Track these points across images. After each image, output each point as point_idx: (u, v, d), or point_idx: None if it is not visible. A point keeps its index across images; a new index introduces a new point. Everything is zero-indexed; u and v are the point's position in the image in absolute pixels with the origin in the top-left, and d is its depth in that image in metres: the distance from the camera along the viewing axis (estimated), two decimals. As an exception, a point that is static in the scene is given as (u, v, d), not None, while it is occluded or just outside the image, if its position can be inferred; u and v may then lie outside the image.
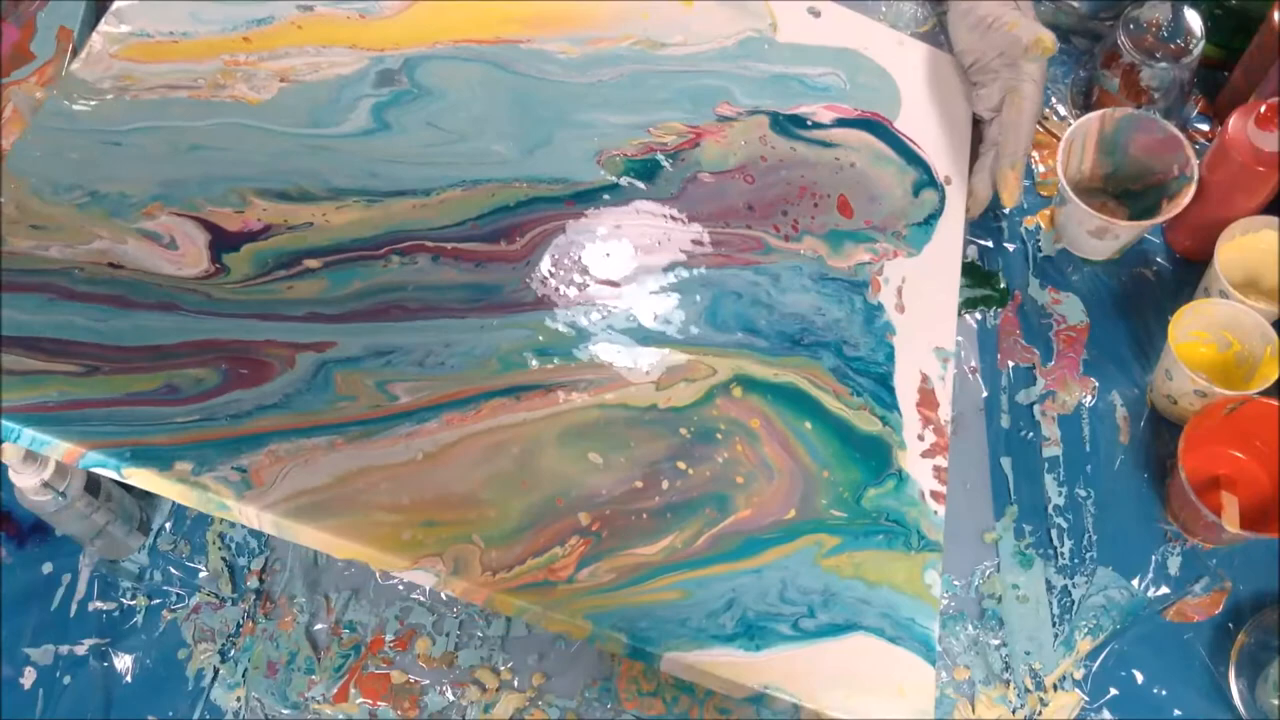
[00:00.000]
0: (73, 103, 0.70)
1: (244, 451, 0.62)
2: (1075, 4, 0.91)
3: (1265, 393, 0.71)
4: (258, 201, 0.69)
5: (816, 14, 0.84)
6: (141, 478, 0.60)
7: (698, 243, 0.75)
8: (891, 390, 0.72)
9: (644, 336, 0.71)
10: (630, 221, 0.74)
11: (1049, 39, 0.76)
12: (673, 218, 0.75)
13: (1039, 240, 0.83)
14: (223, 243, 0.68)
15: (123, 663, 0.72)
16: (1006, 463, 0.76)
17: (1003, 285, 0.82)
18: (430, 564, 0.61)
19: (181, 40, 0.74)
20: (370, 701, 0.71)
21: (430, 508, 0.63)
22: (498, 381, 0.67)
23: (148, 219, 0.68)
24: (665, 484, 0.66)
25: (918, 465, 0.70)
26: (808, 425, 0.70)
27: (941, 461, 0.70)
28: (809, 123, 0.80)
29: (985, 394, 0.78)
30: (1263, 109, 0.73)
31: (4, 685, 0.71)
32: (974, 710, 0.69)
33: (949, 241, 0.79)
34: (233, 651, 0.72)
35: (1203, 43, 0.81)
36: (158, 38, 0.74)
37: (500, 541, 0.63)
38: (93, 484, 0.72)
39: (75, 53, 0.90)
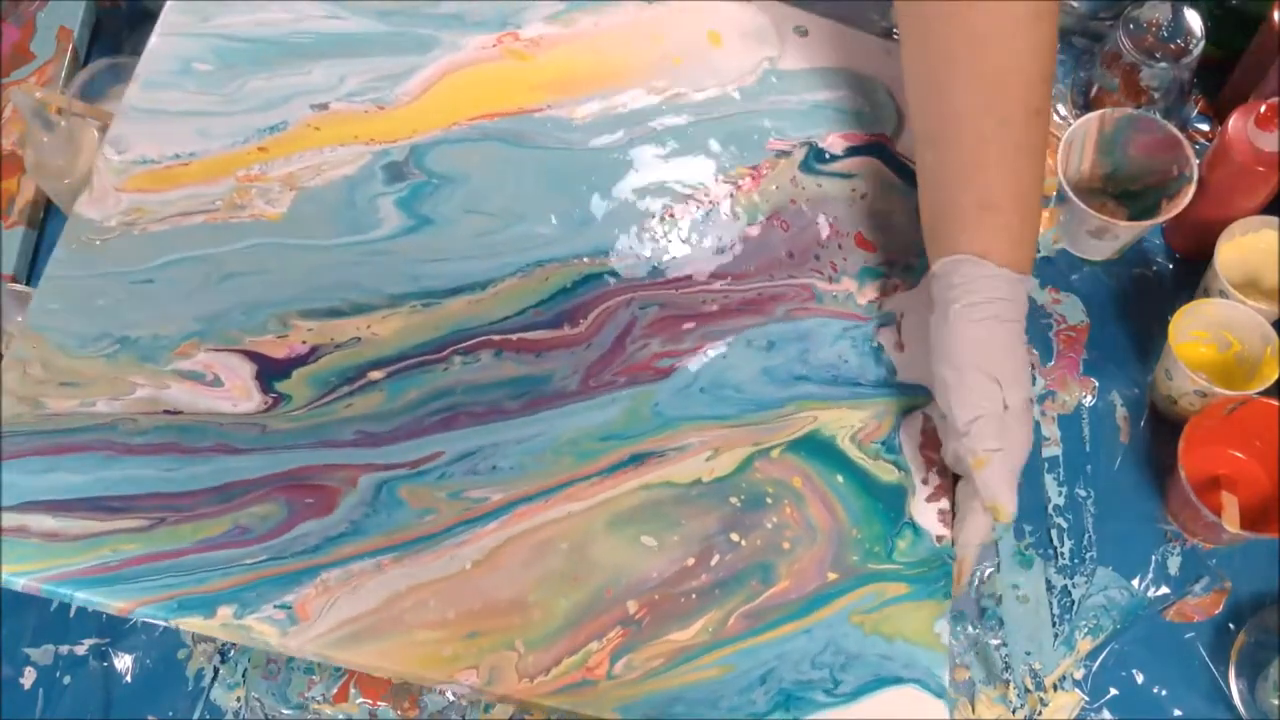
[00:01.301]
0: (84, 248, 0.68)
1: (296, 585, 0.61)
2: (1075, 4, 0.91)
3: (1265, 393, 0.71)
4: (300, 324, 0.68)
5: (804, 33, 0.81)
6: (189, 625, 0.60)
7: (753, 302, 0.73)
8: (897, 433, 0.71)
9: (695, 414, 0.69)
10: (689, 288, 0.73)
11: (1006, 512, 0.62)
12: (731, 277, 0.73)
13: (1038, 240, 0.83)
14: (271, 372, 0.66)
15: (123, 663, 0.71)
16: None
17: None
18: (465, 677, 0.61)
19: (191, 162, 0.71)
20: (370, 701, 0.71)
21: (476, 618, 0.62)
22: (550, 479, 0.66)
23: (184, 359, 0.66)
24: (716, 558, 0.65)
25: (924, 510, 0.69)
26: (840, 479, 0.69)
27: (945, 505, 0.69)
28: (826, 155, 0.78)
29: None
30: (1263, 109, 0.73)
31: (4, 685, 0.71)
32: (974, 710, 0.69)
33: None
34: (232, 652, 0.72)
35: (1203, 43, 0.81)
36: (164, 163, 0.71)
37: (542, 644, 0.62)
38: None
39: (75, 55, 0.90)
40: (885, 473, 0.69)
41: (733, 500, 0.67)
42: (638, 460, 0.67)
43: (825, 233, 0.75)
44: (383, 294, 0.69)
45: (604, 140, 0.76)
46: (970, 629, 0.71)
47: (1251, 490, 0.73)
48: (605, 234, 0.73)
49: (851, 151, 0.78)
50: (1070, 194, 0.77)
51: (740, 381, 0.70)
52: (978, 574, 0.72)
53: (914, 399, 0.71)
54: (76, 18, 0.92)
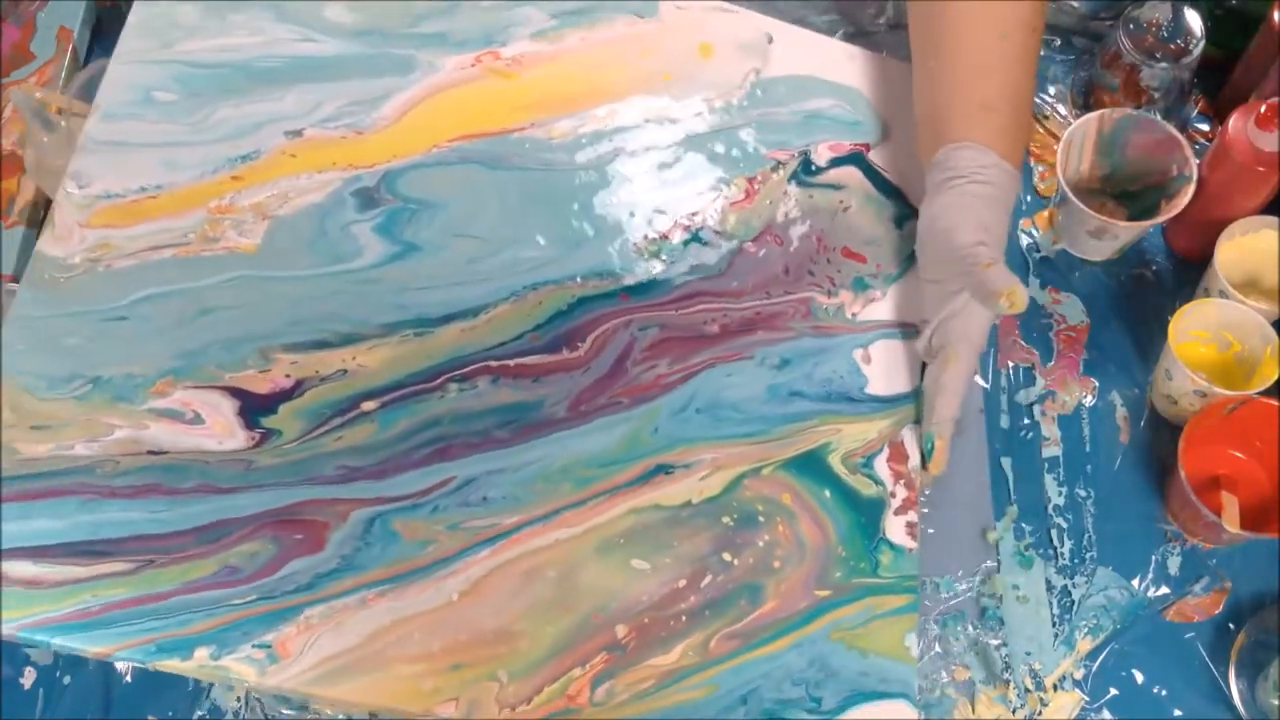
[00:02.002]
0: (50, 286, 0.66)
1: (280, 623, 0.61)
2: (1075, 4, 0.91)
3: (1265, 393, 0.71)
4: (283, 357, 0.66)
5: (770, 39, 0.80)
6: (166, 667, 0.60)
7: (752, 321, 0.72)
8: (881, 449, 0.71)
9: (694, 436, 0.69)
10: (688, 308, 0.72)
11: (1021, 297, 0.64)
12: (730, 295, 0.73)
13: (1038, 240, 0.83)
14: (254, 407, 0.65)
15: (123, 663, 0.71)
16: (1006, 463, 0.76)
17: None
18: (444, 710, 0.60)
19: (159, 194, 0.69)
20: (370, 701, 0.71)
21: (461, 649, 0.62)
22: (541, 508, 0.65)
23: (160, 397, 0.65)
24: (708, 579, 0.65)
25: (893, 523, 0.69)
26: (827, 494, 0.69)
27: (913, 517, 0.69)
28: (814, 166, 0.77)
29: (985, 394, 0.78)
30: (1263, 109, 0.73)
31: (4, 685, 0.71)
32: (974, 710, 0.69)
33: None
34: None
35: (1203, 43, 0.81)
36: (130, 196, 0.69)
37: (525, 673, 0.62)
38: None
39: (75, 55, 0.90)
40: (865, 487, 0.70)
41: (725, 520, 0.67)
42: (632, 485, 0.67)
43: (815, 246, 0.75)
44: (372, 324, 0.68)
45: (591, 157, 0.75)
46: (970, 629, 0.71)
47: (1251, 490, 0.73)
48: (598, 254, 0.72)
49: (835, 162, 0.78)
50: (1070, 194, 0.77)
51: (739, 401, 0.70)
52: (979, 574, 0.72)
53: (897, 411, 0.72)
54: (76, 18, 0.92)
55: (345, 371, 0.67)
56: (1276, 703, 0.67)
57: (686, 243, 0.74)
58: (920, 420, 0.71)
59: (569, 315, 0.70)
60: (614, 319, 0.71)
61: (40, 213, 0.86)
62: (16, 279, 0.82)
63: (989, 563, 0.73)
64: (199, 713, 0.70)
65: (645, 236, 0.73)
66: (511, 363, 0.69)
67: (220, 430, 0.65)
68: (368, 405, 0.66)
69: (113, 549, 0.62)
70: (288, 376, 0.66)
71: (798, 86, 0.79)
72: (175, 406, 0.65)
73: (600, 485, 0.67)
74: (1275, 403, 0.71)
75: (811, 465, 0.69)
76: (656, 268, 0.73)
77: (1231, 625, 0.71)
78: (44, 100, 0.78)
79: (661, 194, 0.75)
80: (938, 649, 0.70)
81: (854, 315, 0.74)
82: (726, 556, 0.66)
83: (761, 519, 0.67)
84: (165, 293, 0.67)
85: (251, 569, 0.62)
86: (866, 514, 0.69)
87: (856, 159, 0.78)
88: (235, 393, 0.66)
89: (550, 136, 0.75)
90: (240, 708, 0.70)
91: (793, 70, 0.80)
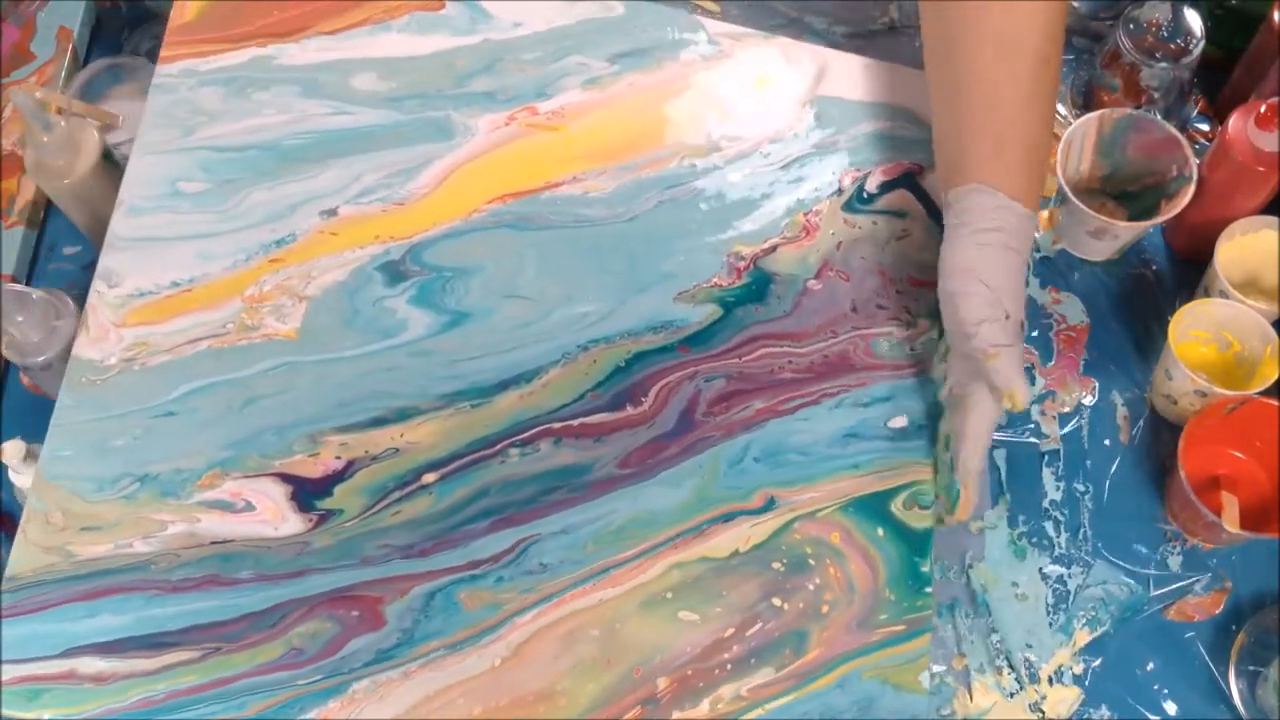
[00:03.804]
0: (89, 389, 0.67)
1: (328, 700, 0.61)
2: (1075, 4, 0.91)
3: (1265, 393, 0.71)
4: (332, 439, 0.66)
5: (822, 69, 0.78)
6: None
7: (819, 364, 0.70)
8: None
9: (760, 483, 0.67)
10: (751, 355, 0.70)
11: (1022, 399, 0.64)
12: (795, 338, 0.71)
13: (1038, 240, 0.83)
14: (307, 491, 0.66)
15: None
16: (1000, 455, 0.75)
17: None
18: None
19: (193, 287, 0.69)
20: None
21: (500, 712, 0.62)
22: (589, 570, 0.65)
23: (208, 489, 0.65)
24: (757, 626, 0.64)
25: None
26: (880, 532, 0.67)
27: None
28: (865, 194, 0.75)
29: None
30: (1263, 109, 0.73)
31: (4, 685, 0.71)
32: (971, 698, 0.69)
33: None
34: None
35: (1203, 43, 0.81)
36: (163, 292, 0.69)
37: None
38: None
39: (75, 55, 0.90)
40: (918, 520, 0.68)
41: (775, 565, 0.66)
42: (681, 538, 0.66)
43: (880, 280, 0.73)
44: (429, 395, 0.68)
45: (637, 206, 0.73)
46: (965, 618, 0.71)
47: (1251, 490, 0.73)
48: (652, 306, 0.71)
49: (887, 186, 0.76)
50: (1070, 194, 0.77)
51: (806, 445, 0.69)
52: (968, 563, 0.72)
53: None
54: (76, 18, 0.92)
55: (397, 450, 0.67)
56: (1276, 703, 0.67)
57: (745, 286, 0.72)
58: (937, 464, 0.70)
59: (627, 371, 0.69)
60: (676, 371, 0.70)
61: (40, 213, 0.86)
62: (16, 279, 0.82)
63: (970, 552, 0.72)
64: None
65: (700, 283, 0.72)
66: (575, 423, 0.68)
67: (271, 516, 0.65)
68: (429, 477, 0.66)
69: (178, 640, 0.63)
70: (338, 458, 0.66)
71: (855, 111, 0.78)
72: (225, 497, 0.66)
73: (647, 543, 0.66)
74: (1275, 403, 0.71)
75: (866, 504, 0.68)
76: (715, 314, 0.71)
77: (1232, 625, 0.71)
78: (44, 100, 0.78)
79: (717, 235, 0.73)
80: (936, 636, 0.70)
81: (913, 350, 0.71)
82: (777, 601, 0.65)
83: (811, 562, 0.66)
84: (211, 384, 0.68)
85: (315, 651, 0.63)
86: (919, 549, 0.67)
87: (908, 180, 0.76)
88: (285, 478, 0.66)
89: (587, 191, 0.73)
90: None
91: (848, 95, 0.78)
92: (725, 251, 0.73)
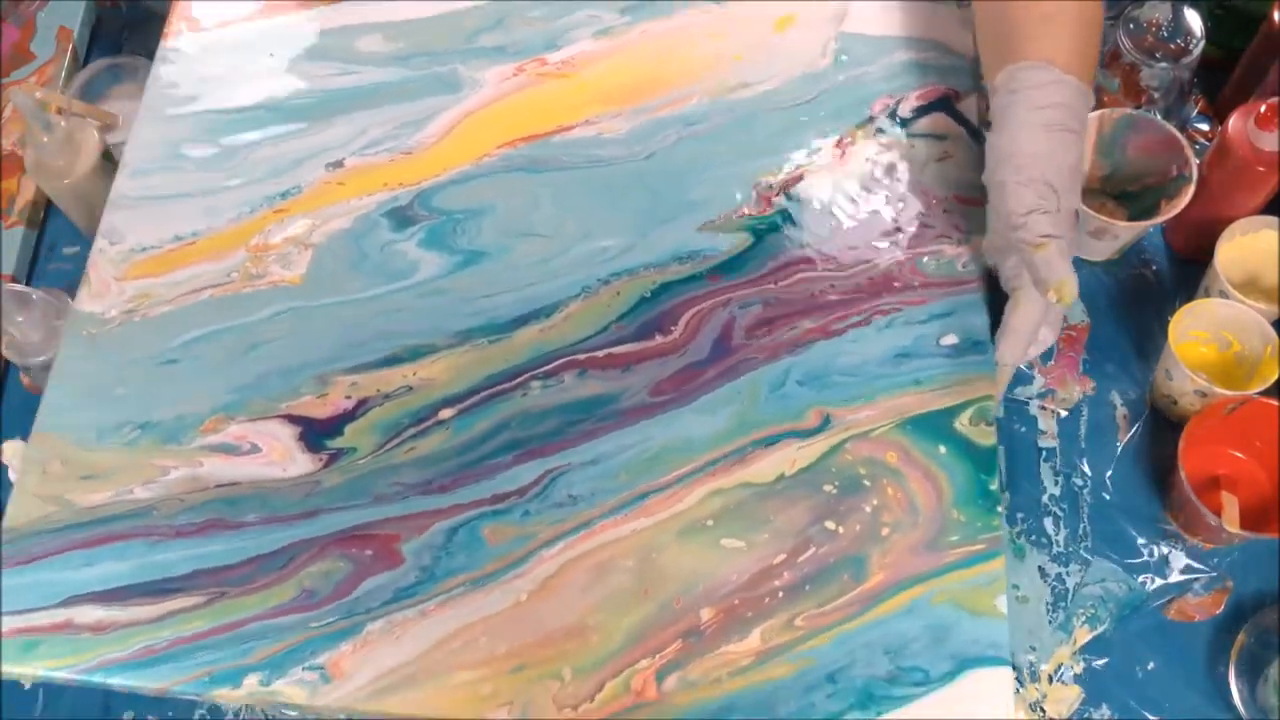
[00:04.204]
0: (89, 341, 0.66)
1: (341, 642, 0.60)
2: (1075, 4, 0.91)
3: (1265, 393, 0.71)
4: (342, 379, 0.66)
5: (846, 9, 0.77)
6: (220, 698, 0.60)
7: (863, 285, 0.68)
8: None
9: (809, 404, 0.65)
10: (788, 279, 0.68)
11: (1070, 290, 0.60)
12: (834, 262, 0.68)
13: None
14: (316, 431, 0.65)
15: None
16: (1001, 454, 0.75)
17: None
18: (497, 714, 0.58)
19: (196, 240, 0.70)
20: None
21: (527, 650, 0.59)
22: (620, 500, 0.63)
23: (211, 434, 0.65)
24: (810, 550, 0.61)
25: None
26: (942, 449, 0.64)
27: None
28: (900, 119, 0.73)
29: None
30: (1263, 109, 0.73)
31: (4, 685, 0.70)
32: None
33: None
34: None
35: (1203, 43, 0.81)
36: (165, 246, 0.69)
37: (591, 668, 0.59)
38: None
39: (75, 55, 0.90)
40: (983, 437, 0.65)
41: (826, 488, 0.63)
42: (720, 462, 0.63)
43: (924, 200, 0.71)
44: (443, 333, 0.67)
45: (655, 144, 0.72)
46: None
47: (1251, 490, 0.73)
48: (676, 237, 0.69)
49: (923, 110, 0.74)
50: (1070, 194, 0.77)
51: (854, 365, 0.66)
52: None
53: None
54: (76, 18, 0.92)
55: (410, 388, 0.66)
56: (1276, 703, 0.67)
57: (776, 214, 0.70)
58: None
59: (654, 302, 0.68)
60: (707, 300, 0.68)
61: (40, 213, 0.86)
62: (16, 279, 0.83)
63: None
64: (199, 712, 0.70)
65: (728, 212, 0.70)
66: (601, 354, 0.66)
67: (279, 457, 0.64)
68: (445, 413, 0.65)
69: (183, 585, 0.62)
70: (348, 398, 0.66)
71: (882, 45, 0.76)
72: (229, 440, 0.65)
73: (684, 469, 0.63)
74: (1275, 403, 0.71)
75: (924, 421, 0.65)
76: (745, 242, 0.69)
77: (1232, 625, 0.71)
78: (44, 100, 0.78)
79: (741, 167, 0.71)
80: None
81: (964, 266, 0.69)
82: (830, 525, 0.62)
83: (866, 483, 0.63)
84: (214, 332, 0.67)
85: (328, 592, 0.61)
86: (985, 468, 0.63)
87: (945, 104, 0.74)
88: (293, 419, 0.65)
89: (601, 133, 0.73)
90: (242, 708, 0.70)
91: (873, 31, 0.77)
92: (752, 182, 0.71)
